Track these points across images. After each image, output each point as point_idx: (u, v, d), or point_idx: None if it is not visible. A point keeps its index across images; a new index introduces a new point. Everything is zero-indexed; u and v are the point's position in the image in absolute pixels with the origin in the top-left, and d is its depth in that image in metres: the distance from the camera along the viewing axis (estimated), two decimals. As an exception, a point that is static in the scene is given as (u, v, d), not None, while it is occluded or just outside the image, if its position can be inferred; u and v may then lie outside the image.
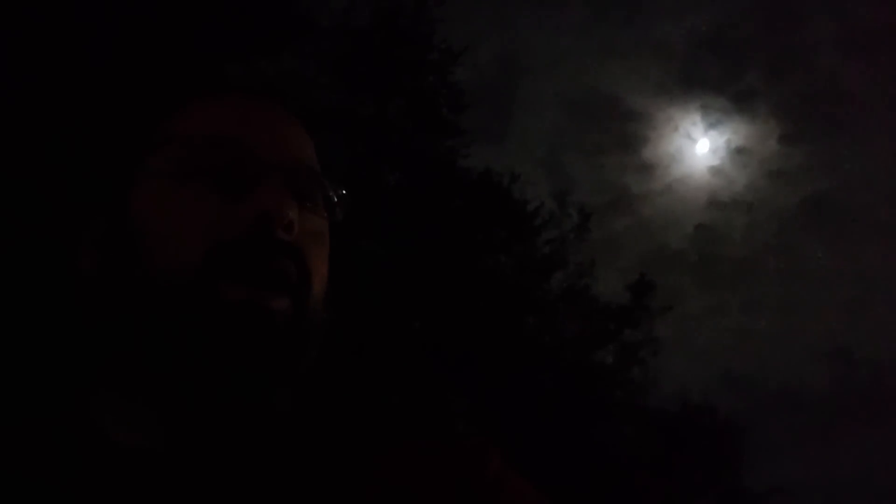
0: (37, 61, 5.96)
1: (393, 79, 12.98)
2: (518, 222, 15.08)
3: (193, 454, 0.57)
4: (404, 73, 13.14)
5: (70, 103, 5.60)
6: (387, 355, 10.24)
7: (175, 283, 0.56)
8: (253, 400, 0.57)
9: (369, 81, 12.68)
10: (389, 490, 0.59)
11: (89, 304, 0.62)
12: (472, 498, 0.60)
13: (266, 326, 0.56)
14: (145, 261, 0.57)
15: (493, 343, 12.94)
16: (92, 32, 6.35)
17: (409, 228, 12.02)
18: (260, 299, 0.56)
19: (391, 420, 0.67)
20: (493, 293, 13.37)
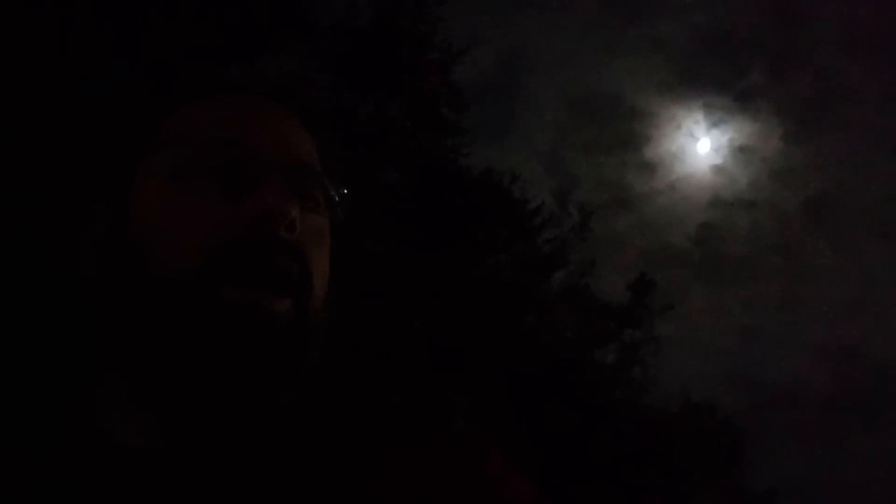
0: (41, 63, 5.96)
1: (393, 78, 12.98)
2: (518, 221, 15.08)
3: (194, 454, 0.57)
4: (405, 72, 13.13)
5: (73, 104, 5.60)
6: (387, 354, 10.24)
7: (176, 283, 0.56)
8: (254, 401, 0.57)
9: (370, 81, 12.67)
10: (390, 490, 0.59)
11: (90, 303, 0.62)
12: (472, 498, 0.60)
13: (267, 329, 0.56)
14: (146, 261, 0.57)
15: (494, 342, 12.94)
16: (95, 33, 6.35)
17: (410, 227, 12.02)
18: (261, 302, 0.56)
19: (392, 420, 0.67)
20: (493, 292, 13.37)
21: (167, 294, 0.56)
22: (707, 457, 19.74)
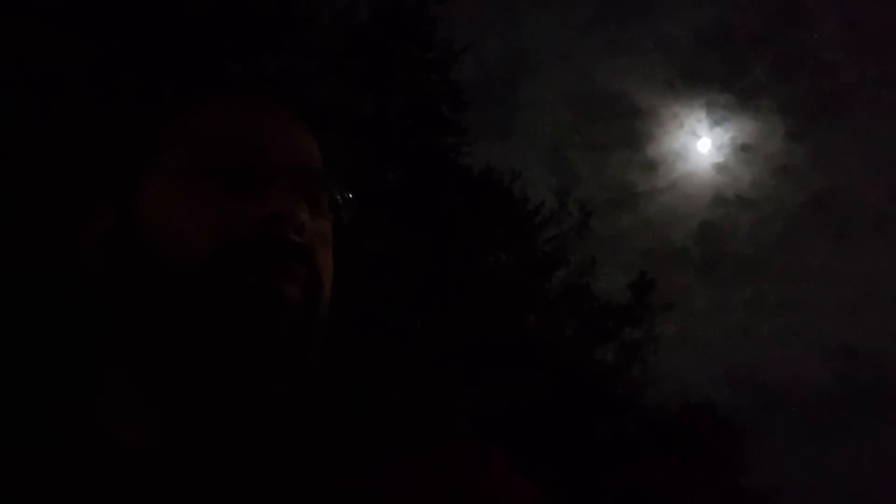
0: (49, 61, 5.97)
1: (394, 77, 12.99)
2: (519, 220, 15.09)
3: (197, 454, 0.57)
4: (405, 71, 13.14)
5: (80, 102, 5.61)
6: (388, 353, 10.24)
7: (185, 276, 0.56)
8: (260, 389, 0.57)
9: (370, 79, 12.68)
10: (391, 490, 0.59)
11: (94, 299, 0.62)
12: (474, 498, 0.60)
13: (280, 308, 0.56)
14: (155, 258, 0.58)
15: (494, 341, 12.95)
16: (102, 31, 6.36)
17: (410, 226, 12.03)
18: (273, 284, 0.56)
19: (392, 419, 0.67)
20: (493, 291, 13.38)
21: (176, 286, 0.56)
22: (707, 455, 19.75)
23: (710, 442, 20.01)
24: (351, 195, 0.66)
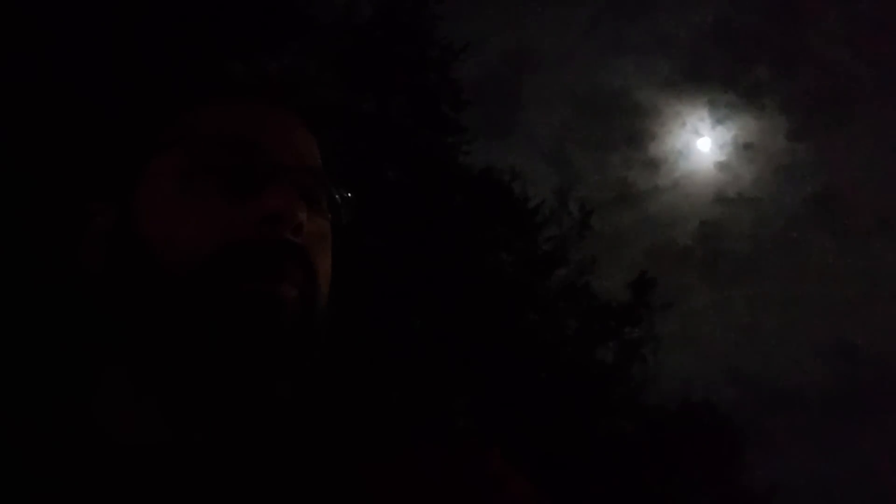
0: (48, 60, 5.97)
1: (394, 76, 12.97)
2: (519, 219, 15.07)
3: (195, 452, 0.57)
4: (405, 70, 13.12)
5: (82, 101, 5.61)
6: (387, 353, 10.24)
7: (182, 277, 0.56)
8: (260, 389, 0.57)
9: (370, 78, 12.67)
10: (390, 488, 0.59)
11: (93, 298, 0.62)
12: (472, 497, 0.60)
13: (277, 311, 0.56)
14: (153, 257, 0.58)
15: (494, 340, 12.94)
16: (103, 29, 6.35)
17: (410, 226, 12.02)
18: (270, 288, 0.56)
19: (392, 418, 0.67)
20: (493, 290, 13.37)
21: (171, 288, 0.56)
22: (707, 454, 19.74)
23: (709, 441, 20.00)
24: (350, 194, 0.65)
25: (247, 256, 0.56)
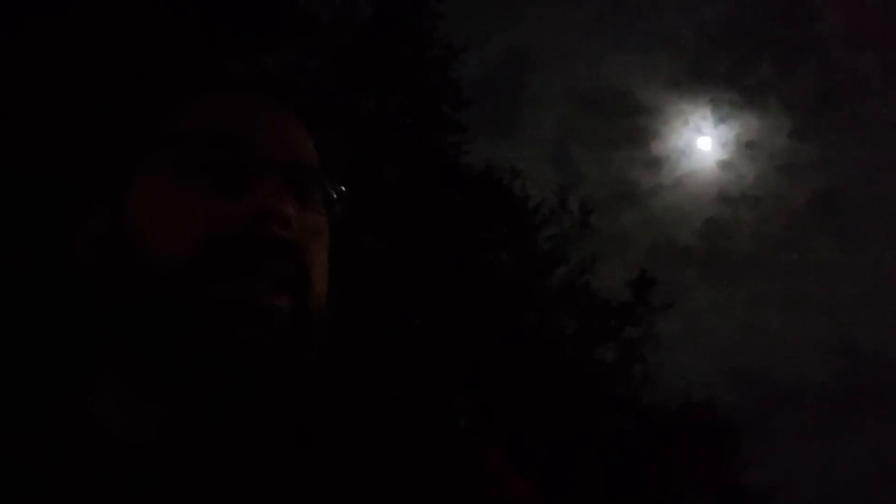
0: (47, 60, 5.96)
1: (394, 75, 12.97)
2: (519, 218, 15.08)
3: (192, 451, 0.57)
4: (405, 69, 13.13)
5: (72, 100, 5.60)
6: (387, 352, 10.24)
7: (165, 277, 0.55)
8: (252, 397, 0.56)
9: (370, 78, 12.67)
10: (389, 487, 0.59)
11: (88, 297, 0.62)
12: (470, 495, 0.60)
13: (264, 324, 0.55)
14: (139, 256, 0.57)
15: (494, 339, 12.95)
16: (94, 29, 6.35)
17: (410, 225, 12.02)
18: (257, 297, 0.55)
19: (391, 417, 0.67)
20: (493, 289, 13.37)
21: (156, 288, 0.55)
22: (707, 454, 19.75)
23: (710, 440, 20.00)
24: (344, 189, 0.65)
25: (230, 254, 0.56)
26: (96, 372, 0.62)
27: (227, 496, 0.56)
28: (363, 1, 12.78)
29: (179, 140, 0.60)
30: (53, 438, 0.58)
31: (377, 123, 12.64)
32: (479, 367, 12.70)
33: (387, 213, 11.56)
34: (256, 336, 0.55)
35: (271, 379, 0.56)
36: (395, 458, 0.61)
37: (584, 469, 13.76)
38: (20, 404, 0.62)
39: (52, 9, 6.15)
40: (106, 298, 0.60)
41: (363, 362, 8.64)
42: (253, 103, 0.64)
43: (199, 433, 0.57)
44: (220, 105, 0.63)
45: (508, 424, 12.22)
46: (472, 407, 12.86)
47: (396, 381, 10.19)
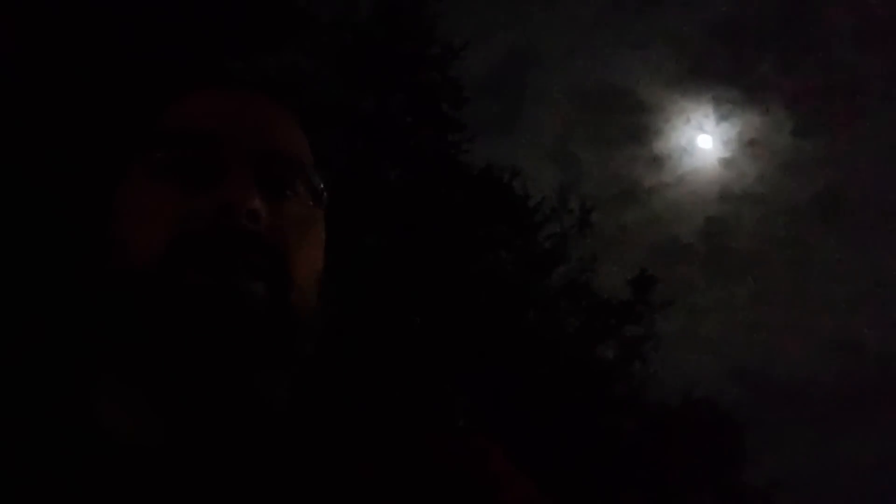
0: (48, 61, 5.97)
1: (393, 74, 12.98)
2: (519, 217, 15.09)
3: (195, 450, 0.57)
4: (405, 68, 13.13)
5: (72, 102, 5.61)
6: (388, 351, 10.25)
7: (142, 273, 0.56)
8: (237, 385, 0.56)
9: (370, 76, 12.68)
10: (391, 484, 0.59)
11: (84, 297, 0.62)
12: (473, 493, 0.60)
13: (238, 308, 0.55)
14: (115, 258, 0.58)
15: (494, 338, 12.96)
16: (94, 29, 6.35)
17: (410, 224, 12.03)
18: (232, 284, 0.55)
19: (393, 415, 0.67)
20: (493, 288, 13.38)
21: (133, 284, 0.56)
22: (708, 451, 19.77)
23: (711, 438, 20.03)
24: (324, 177, 0.65)
25: (198, 248, 0.56)
26: (96, 375, 0.62)
27: (231, 495, 0.56)
28: (363, 0, 12.81)
29: (158, 140, 0.60)
30: (54, 441, 0.58)
31: (377, 122, 12.65)
32: (480, 365, 12.71)
33: (387, 211, 11.57)
34: (233, 318, 0.55)
35: (252, 361, 0.56)
36: (398, 456, 0.61)
37: (585, 467, 13.77)
38: (21, 407, 0.62)
39: (60, 11, 6.16)
40: (94, 301, 0.61)
41: (364, 361, 8.64)
42: (229, 99, 0.63)
43: (197, 433, 0.57)
44: (199, 102, 0.63)
45: (509, 423, 12.23)
46: (473, 405, 12.88)
47: (397, 379, 10.20)
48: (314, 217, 0.63)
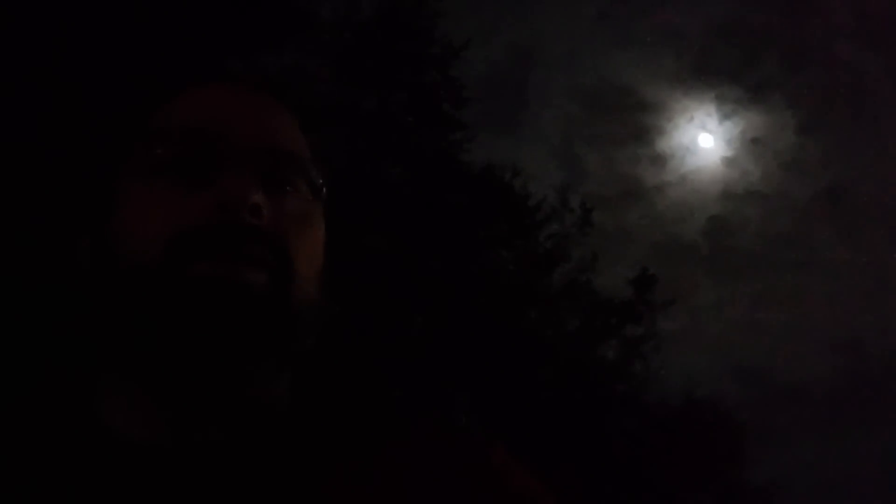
0: (47, 62, 5.97)
1: (394, 73, 12.97)
2: (520, 216, 15.08)
3: (199, 446, 0.57)
4: (406, 67, 13.12)
5: (72, 102, 5.61)
6: (389, 349, 10.25)
7: (142, 267, 0.56)
8: (239, 376, 0.57)
9: (371, 76, 12.67)
10: (393, 482, 0.59)
11: (86, 295, 0.62)
12: (476, 489, 0.60)
13: (241, 298, 0.55)
14: (117, 255, 0.58)
15: (495, 337, 12.95)
16: (93, 30, 6.35)
17: (411, 223, 12.02)
18: (232, 273, 0.55)
19: (394, 414, 0.67)
20: (494, 287, 13.38)
21: (134, 277, 0.56)
22: (709, 451, 19.75)
23: (712, 437, 20.00)
24: (324, 172, 0.65)
25: (199, 241, 0.56)
26: (99, 372, 0.62)
27: (233, 491, 0.56)
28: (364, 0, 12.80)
29: (156, 138, 0.61)
30: (59, 439, 0.58)
31: (378, 121, 12.64)
32: (481, 365, 12.70)
33: (388, 211, 11.57)
34: (236, 307, 0.55)
35: (254, 351, 0.56)
36: (400, 454, 0.61)
37: (586, 466, 13.76)
38: (25, 405, 0.62)
39: (60, 12, 6.16)
40: (98, 300, 0.61)
41: (365, 359, 8.64)
42: (228, 94, 0.64)
43: (205, 429, 0.58)
44: (197, 99, 0.63)
45: (510, 422, 12.23)
46: (475, 404, 12.88)
47: (397, 379, 10.20)
48: (314, 212, 0.64)
